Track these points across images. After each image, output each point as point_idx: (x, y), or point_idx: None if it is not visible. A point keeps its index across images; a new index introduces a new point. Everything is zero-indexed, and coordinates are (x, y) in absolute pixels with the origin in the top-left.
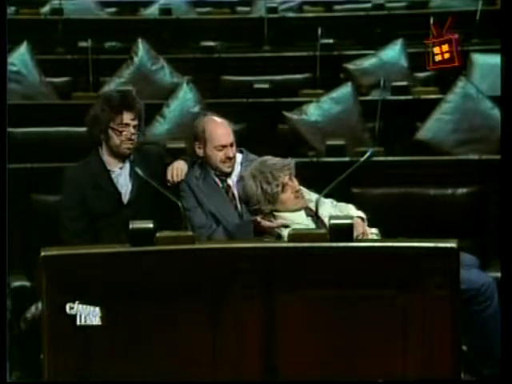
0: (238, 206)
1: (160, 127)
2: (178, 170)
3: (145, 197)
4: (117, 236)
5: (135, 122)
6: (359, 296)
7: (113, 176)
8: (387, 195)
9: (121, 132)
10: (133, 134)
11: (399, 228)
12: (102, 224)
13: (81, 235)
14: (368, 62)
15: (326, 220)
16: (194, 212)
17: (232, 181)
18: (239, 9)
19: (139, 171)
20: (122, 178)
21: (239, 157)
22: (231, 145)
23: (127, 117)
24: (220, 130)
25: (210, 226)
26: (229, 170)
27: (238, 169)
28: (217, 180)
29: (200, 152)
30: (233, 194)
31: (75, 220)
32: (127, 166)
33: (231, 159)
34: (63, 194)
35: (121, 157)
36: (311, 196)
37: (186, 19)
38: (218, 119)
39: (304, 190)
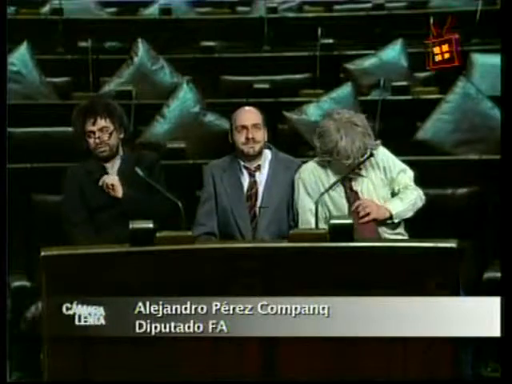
0: (257, 206)
1: (160, 127)
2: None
3: (137, 190)
4: (115, 227)
5: (99, 126)
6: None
7: (110, 173)
8: None
9: (88, 140)
10: (97, 138)
11: None
12: (101, 217)
13: (81, 226)
14: (368, 62)
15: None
16: (200, 206)
17: (260, 177)
18: (239, 9)
19: (140, 172)
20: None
21: (268, 154)
22: (254, 126)
23: (88, 124)
24: (244, 112)
25: (204, 225)
26: (250, 151)
27: (266, 167)
28: (245, 173)
29: (230, 139)
30: (256, 192)
31: (75, 211)
32: (118, 162)
33: (250, 140)
34: (64, 189)
35: (104, 160)
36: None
37: (186, 19)
38: (248, 107)
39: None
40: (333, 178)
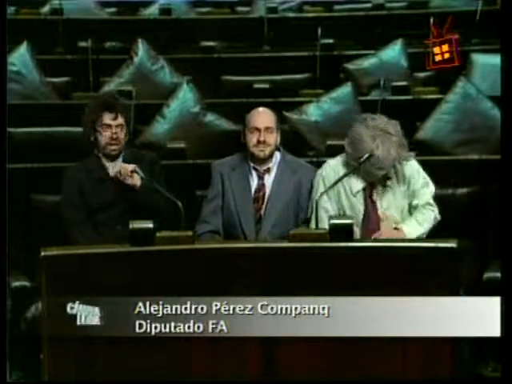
0: (263, 209)
1: (160, 127)
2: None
3: (141, 189)
4: (116, 226)
5: (118, 122)
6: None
7: (111, 172)
8: None
9: (103, 133)
10: (114, 133)
11: None
12: (102, 216)
13: (81, 226)
14: (368, 62)
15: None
16: (206, 203)
17: (268, 180)
18: (239, 9)
19: (140, 171)
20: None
21: (277, 156)
22: (267, 129)
23: (108, 117)
24: (258, 114)
25: (209, 223)
26: (261, 154)
27: (274, 169)
28: (254, 174)
29: (242, 139)
30: (263, 195)
31: (75, 211)
32: (118, 162)
33: (261, 143)
34: (63, 189)
35: (110, 157)
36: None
37: (186, 19)
38: (263, 108)
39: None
40: (354, 179)
